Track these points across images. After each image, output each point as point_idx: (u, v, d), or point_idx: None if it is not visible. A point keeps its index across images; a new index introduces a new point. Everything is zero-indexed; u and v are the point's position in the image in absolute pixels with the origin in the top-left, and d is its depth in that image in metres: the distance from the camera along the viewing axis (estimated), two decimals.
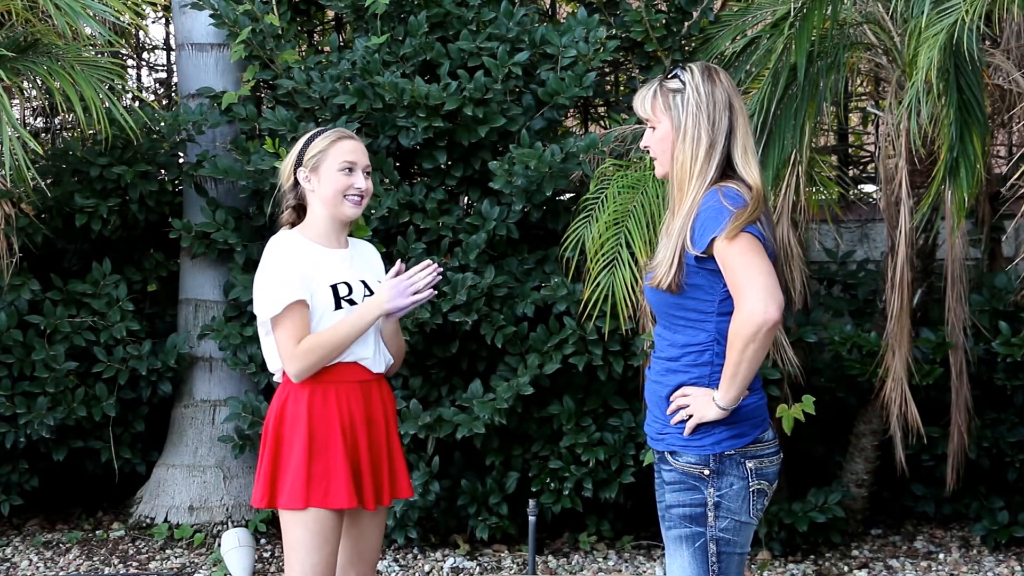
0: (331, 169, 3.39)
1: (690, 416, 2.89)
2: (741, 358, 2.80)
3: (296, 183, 3.46)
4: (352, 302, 3.38)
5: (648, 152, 2.99)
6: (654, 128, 2.95)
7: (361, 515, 3.47)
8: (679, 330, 2.93)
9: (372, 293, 3.42)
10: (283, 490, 3.32)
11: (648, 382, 3.04)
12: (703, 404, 2.88)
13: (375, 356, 3.43)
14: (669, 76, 2.94)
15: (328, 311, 3.35)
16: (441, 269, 3.39)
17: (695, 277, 2.87)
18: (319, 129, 3.51)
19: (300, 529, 3.32)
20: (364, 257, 3.54)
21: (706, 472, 2.89)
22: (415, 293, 3.34)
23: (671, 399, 2.94)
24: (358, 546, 3.51)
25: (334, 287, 3.36)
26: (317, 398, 3.34)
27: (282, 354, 3.34)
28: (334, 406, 3.34)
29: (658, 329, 3.01)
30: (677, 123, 2.90)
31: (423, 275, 3.35)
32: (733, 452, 2.90)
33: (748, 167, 2.91)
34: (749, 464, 2.91)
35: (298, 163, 3.44)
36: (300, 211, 3.50)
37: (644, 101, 2.95)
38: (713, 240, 2.82)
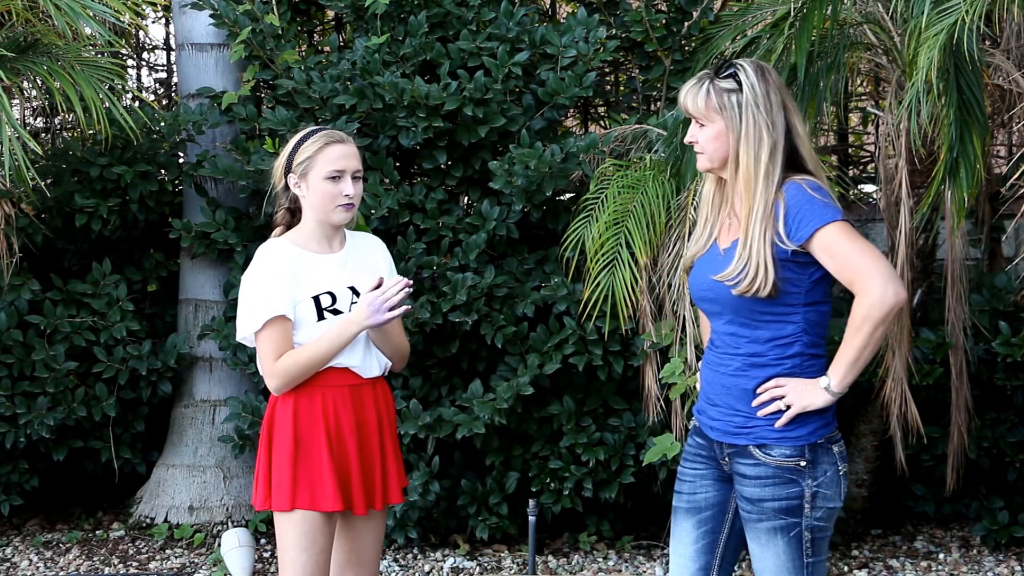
0: (319, 177, 3.34)
1: (788, 407, 2.86)
2: (868, 342, 2.81)
3: (288, 186, 3.42)
4: (336, 311, 3.35)
5: (694, 146, 2.96)
6: (703, 125, 2.93)
7: (355, 519, 3.46)
8: (762, 326, 2.90)
9: None
10: (273, 492, 3.34)
11: (720, 375, 2.97)
12: (809, 392, 2.86)
13: (364, 362, 3.40)
14: (722, 75, 2.90)
15: (311, 323, 3.33)
16: (410, 282, 3.34)
17: (784, 272, 2.85)
18: (310, 130, 3.44)
19: (289, 530, 3.33)
20: (363, 258, 3.49)
21: (803, 463, 2.88)
22: (391, 308, 3.29)
23: (758, 391, 2.90)
24: (354, 550, 3.50)
25: (316, 298, 3.33)
26: (303, 402, 3.33)
27: (263, 369, 3.34)
28: (319, 410, 3.33)
29: (727, 328, 2.95)
30: (735, 125, 2.88)
31: (395, 289, 3.29)
32: (823, 440, 2.90)
33: (818, 166, 2.92)
34: (835, 449, 2.92)
35: (288, 167, 3.39)
36: (295, 212, 3.46)
37: (697, 99, 2.91)
38: (815, 232, 2.81)
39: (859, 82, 7.44)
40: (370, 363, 3.42)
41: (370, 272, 3.46)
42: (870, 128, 8.01)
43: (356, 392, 3.38)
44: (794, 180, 2.87)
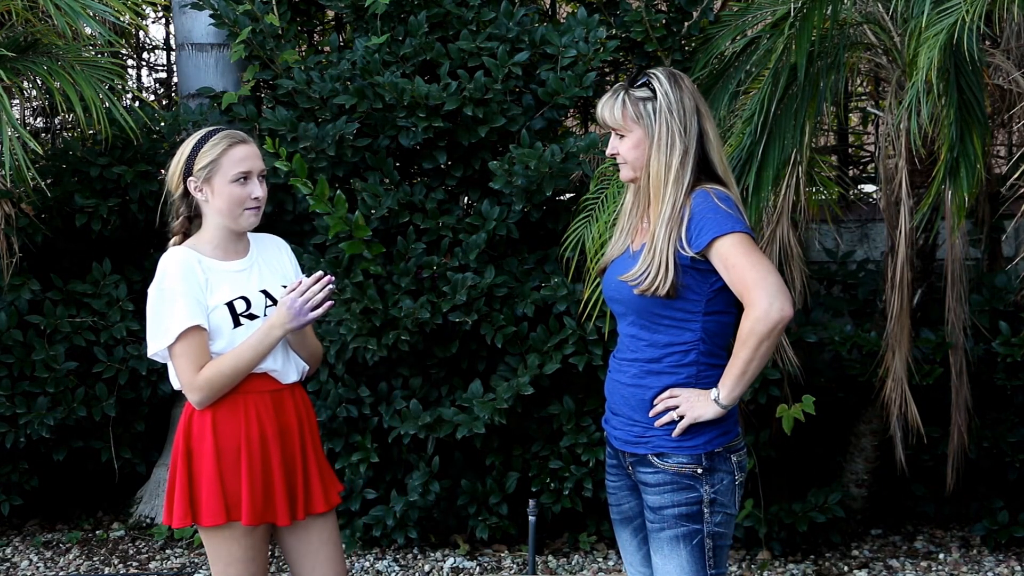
0: (225, 181, 3.19)
1: (681, 417, 2.91)
2: (754, 356, 2.83)
3: (187, 192, 3.26)
4: (252, 316, 3.24)
5: (616, 157, 3.02)
6: (622, 136, 2.98)
7: (296, 531, 3.34)
8: (662, 330, 2.94)
9: (275, 302, 3.28)
10: (199, 506, 3.22)
11: (618, 385, 3.03)
12: (700, 404, 2.90)
13: (284, 366, 3.29)
14: (636, 84, 2.96)
15: (227, 330, 3.21)
16: (332, 278, 3.22)
17: (685, 277, 2.89)
18: (207, 131, 3.26)
19: (211, 545, 3.24)
20: (269, 260, 3.37)
21: (699, 471, 2.92)
22: (313, 309, 3.19)
23: (655, 402, 2.94)
24: (305, 563, 3.38)
25: (230, 304, 3.22)
26: (222, 410, 3.22)
27: (182, 383, 3.21)
28: (241, 418, 3.22)
29: (630, 329, 3.01)
30: (650, 131, 2.93)
31: (317, 288, 3.19)
32: (721, 449, 2.94)
33: (727, 173, 2.98)
34: (733, 458, 2.97)
35: (187, 172, 3.23)
36: (193, 219, 3.32)
37: (613, 110, 2.97)
38: (713, 240, 2.83)
39: (859, 82, 7.43)
40: (289, 368, 3.31)
41: (277, 273, 3.35)
42: (870, 128, 8.01)
43: (277, 398, 3.27)
44: (704, 188, 2.91)
